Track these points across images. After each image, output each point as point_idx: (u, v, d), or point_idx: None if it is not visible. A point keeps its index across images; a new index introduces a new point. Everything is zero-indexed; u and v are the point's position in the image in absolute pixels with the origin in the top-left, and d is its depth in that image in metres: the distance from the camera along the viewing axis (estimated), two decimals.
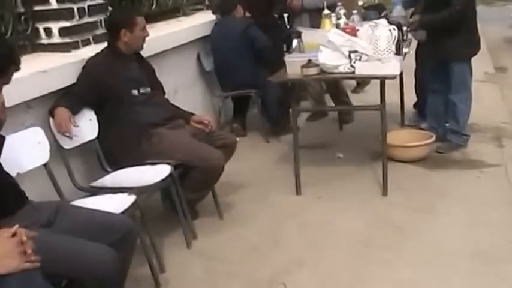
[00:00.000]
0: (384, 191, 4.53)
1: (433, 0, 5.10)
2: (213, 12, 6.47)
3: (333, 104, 6.51)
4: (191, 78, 6.04)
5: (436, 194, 4.54)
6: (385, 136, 4.53)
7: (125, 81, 4.03)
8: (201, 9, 7.05)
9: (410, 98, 6.29)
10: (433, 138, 5.26)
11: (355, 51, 4.26)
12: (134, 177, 3.78)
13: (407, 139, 5.33)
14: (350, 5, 7.06)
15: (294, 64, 4.45)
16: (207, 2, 7.12)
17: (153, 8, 5.94)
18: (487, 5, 22.09)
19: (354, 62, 4.27)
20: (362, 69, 4.25)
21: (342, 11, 5.50)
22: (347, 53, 4.28)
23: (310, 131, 6.28)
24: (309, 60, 4.35)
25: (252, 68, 6.01)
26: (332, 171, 5.13)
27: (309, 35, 4.98)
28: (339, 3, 6.01)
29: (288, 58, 4.58)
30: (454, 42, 5.13)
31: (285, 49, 4.88)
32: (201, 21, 6.35)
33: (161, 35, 5.41)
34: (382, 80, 4.27)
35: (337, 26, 5.27)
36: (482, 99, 7.08)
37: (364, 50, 4.28)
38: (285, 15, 6.68)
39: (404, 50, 4.99)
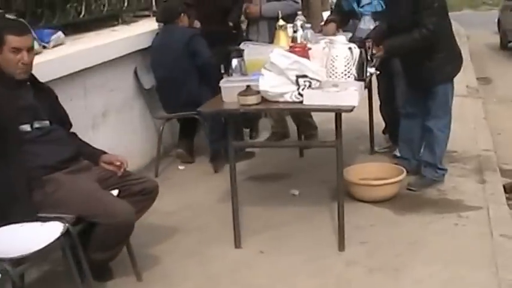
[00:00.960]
0: (341, 245, 3.73)
1: (398, 19, 4.34)
2: (157, 20, 5.64)
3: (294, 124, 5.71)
4: (126, 98, 5.21)
5: (403, 249, 3.74)
6: (341, 177, 3.72)
7: (12, 112, 3.18)
8: (148, 16, 6.22)
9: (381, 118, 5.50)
10: (404, 175, 4.46)
11: (304, 76, 3.45)
12: (12, 240, 2.95)
13: (374, 174, 4.54)
14: (315, 15, 6.30)
15: (230, 91, 3.63)
16: (154, 8, 6.29)
17: (82, 15, 5.10)
18: (472, 9, 21.51)
19: (303, 89, 3.46)
20: (312, 98, 3.44)
21: (300, 22, 4.69)
22: (294, 78, 3.47)
23: (266, 156, 5.47)
24: (248, 87, 3.53)
25: (199, 86, 5.18)
26: (283, 213, 4.31)
27: (255, 52, 4.16)
28: (299, 13, 5.24)
29: (223, 83, 3.75)
30: (434, 64, 4.37)
31: (222, 70, 4.04)
32: (142, 30, 5.51)
33: (86, 49, 4.59)
34: (337, 112, 3.46)
35: (293, 39, 4.46)
36: (463, 118, 6.33)
37: (315, 75, 3.47)
38: (243, 24, 5.89)
39: (370, 70, 4.21)
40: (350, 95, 3.41)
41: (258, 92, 3.51)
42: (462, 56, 4.69)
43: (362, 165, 4.69)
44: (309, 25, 5.09)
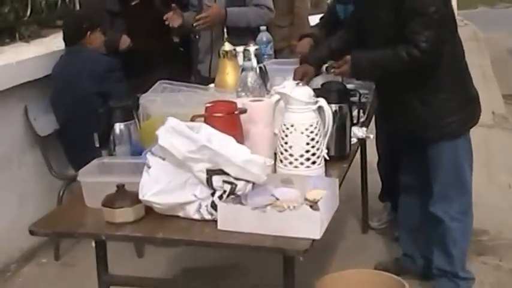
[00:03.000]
0: None
1: (376, 26, 2.70)
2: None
3: None
4: (12, 150, 3.61)
5: None
6: None
7: None
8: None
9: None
10: None
11: (222, 173, 1.83)
12: None
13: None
14: (300, 23, 4.60)
15: (93, 190, 2.00)
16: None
17: None
18: (488, 6, 19.69)
19: (220, 198, 1.84)
20: (233, 219, 1.80)
21: (253, 48, 3.07)
22: (203, 175, 1.84)
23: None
24: (120, 188, 1.90)
25: None
26: None
27: (171, 101, 2.56)
28: (263, 28, 3.64)
29: (83, 174, 2.11)
30: (430, 108, 2.72)
31: (96, 143, 2.39)
32: (42, 51, 3.89)
33: None
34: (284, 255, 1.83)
35: (244, 70, 2.84)
36: (490, 165, 4.68)
37: (243, 172, 1.84)
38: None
39: (360, 134, 2.60)
40: (309, 217, 1.76)
41: (139, 201, 1.88)
42: (479, 100, 2.91)
43: (342, 275, 2.98)
44: (269, 51, 3.52)
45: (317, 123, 2.11)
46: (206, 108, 2.05)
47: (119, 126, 2.26)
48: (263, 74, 2.95)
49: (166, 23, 3.85)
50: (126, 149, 2.29)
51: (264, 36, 3.57)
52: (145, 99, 2.65)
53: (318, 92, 2.30)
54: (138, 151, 2.30)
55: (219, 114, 2.02)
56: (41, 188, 3.81)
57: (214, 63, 3.65)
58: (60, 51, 3.79)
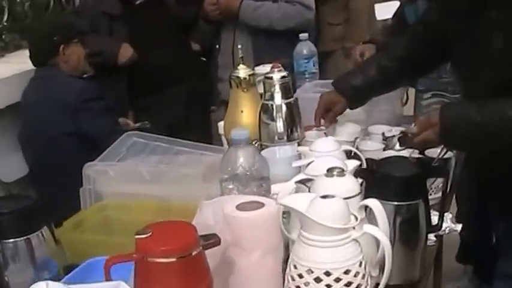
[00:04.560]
0: None
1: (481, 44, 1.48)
2: None
3: None
4: None
5: None
6: None
7: None
8: None
9: None
10: None
11: None
12: None
13: None
14: (357, 24, 3.44)
15: None
16: None
17: None
18: None
19: None
20: None
21: (278, 75, 1.98)
22: None
23: None
24: None
25: None
26: None
27: (122, 174, 1.58)
28: (303, 35, 2.59)
29: None
30: None
31: None
32: (15, 70, 2.94)
33: None
34: None
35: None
36: None
37: None
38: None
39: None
40: None
41: None
42: None
43: None
44: (311, 69, 2.48)
45: (358, 264, 1.04)
46: (138, 242, 1.00)
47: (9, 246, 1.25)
48: (292, 117, 1.89)
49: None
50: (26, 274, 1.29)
51: (304, 47, 2.52)
52: (92, 168, 1.64)
53: (367, 179, 1.25)
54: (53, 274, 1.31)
55: (160, 260, 0.97)
56: None
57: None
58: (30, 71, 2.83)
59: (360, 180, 1.29)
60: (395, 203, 1.27)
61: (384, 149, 1.86)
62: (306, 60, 2.49)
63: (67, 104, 2.50)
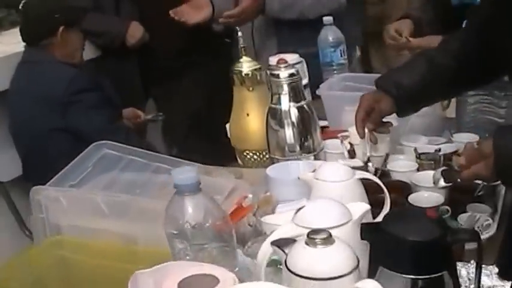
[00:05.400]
0: None
1: None
2: None
3: None
4: None
5: None
6: None
7: None
8: None
9: None
10: None
11: None
12: None
13: None
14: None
15: None
16: None
17: None
18: None
19: None
20: None
21: (286, 72, 1.56)
22: None
23: None
24: None
25: None
26: None
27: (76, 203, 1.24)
28: (328, 20, 2.19)
29: None
30: None
31: None
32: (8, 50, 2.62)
33: None
34: None
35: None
36: None
37: None
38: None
39: None
40: None
41: None
42: None
43: None
44: (338, 59, 2.09)
45: None
46: None
47: None
48: (304, 124, 1.52)
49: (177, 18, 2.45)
50: None
51: (329, 33, 2.11)
52: (42, 193, 1.31)
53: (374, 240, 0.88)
54: None
55: None
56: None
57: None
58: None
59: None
60: (410, 276, 0.89)
61: (418, 169, 1.48)
62: (332, 49, 2.08)
63: (54, 96, 2.16)
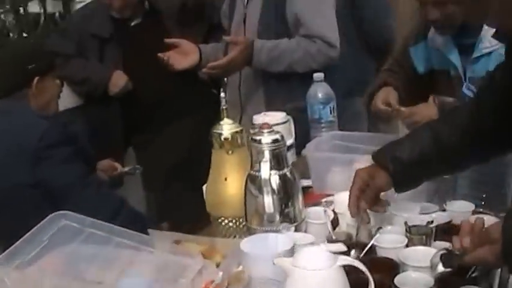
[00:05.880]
0: None
1: None
2: None
3: None
4: None
5: None
6: None
7: None
8: None
9: None
10: None
11: None
12: None
13: None
14: None
15: None
16: None
17: None
18: None
19: None
20: None
21: (269, 138, 1.44)
22: None
23: None
24: None
25: None
26: None
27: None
28: (318, 76, 2.09)
29: None
30: None
31: None
32: None
33: None
34: None
35: None
36: None
37: None
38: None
39: None
40: None
41: None
42: None
43: None
44: (327, 116, 2.00)
45: None
46: None
47: None
48: (287, 192, 1.41)
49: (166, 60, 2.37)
50: None
51: (319, 89, 2.00)
52: None
53: None
54: None
55: None
56: None
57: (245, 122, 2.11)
58: None
59: None
60: None
61: (407, 245, 1.35)
62: (321, 106, 1.97)
63: (26, 149, 2.03)
